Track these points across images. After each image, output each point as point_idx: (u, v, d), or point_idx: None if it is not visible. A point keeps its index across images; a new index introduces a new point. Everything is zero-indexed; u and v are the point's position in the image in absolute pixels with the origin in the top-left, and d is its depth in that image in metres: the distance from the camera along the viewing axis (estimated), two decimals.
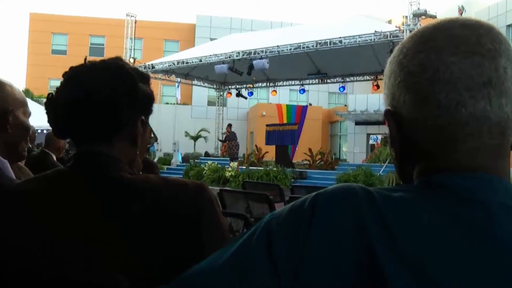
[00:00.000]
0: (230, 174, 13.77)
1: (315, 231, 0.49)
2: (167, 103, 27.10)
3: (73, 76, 0.79)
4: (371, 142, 19.83)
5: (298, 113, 23.68)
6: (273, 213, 0.55)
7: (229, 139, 14.59)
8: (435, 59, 0.52)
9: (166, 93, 27.97)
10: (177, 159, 18.78)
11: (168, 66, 16.82)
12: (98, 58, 0.83)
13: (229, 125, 14.95)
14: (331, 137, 27.11)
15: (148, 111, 0.85)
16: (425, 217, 0.48)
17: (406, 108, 0.54)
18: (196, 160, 17.47)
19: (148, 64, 17.12)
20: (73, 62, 0.82)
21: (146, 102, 0.83)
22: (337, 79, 17.76)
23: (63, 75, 0.80)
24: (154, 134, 0.93)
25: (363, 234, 0.47)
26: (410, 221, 0.48)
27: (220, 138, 15.42)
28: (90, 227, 0.71)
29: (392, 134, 0.57)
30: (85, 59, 0.82)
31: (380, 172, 12.25)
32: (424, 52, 0.53)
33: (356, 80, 17.92)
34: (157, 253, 0.69)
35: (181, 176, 14.37)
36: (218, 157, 19.85)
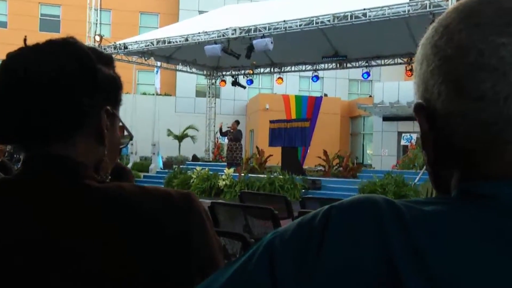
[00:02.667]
0: (224, 183, 13.79)
1: (328, 250, 0.50)
2: (144, 94, 27.15)
3: (9, 63, 0.78)
4: (403, 142, 19.83)
5: (310, 106, 23.74)
6: (276, 230, 0.56)
7: (234, 138, 14.39)
8: (479, 39, 0.53)
9: (142, 80, 28.03)
10: (157, 165, 18.83)
11: (145, 46, 16.88)
12: (52, 35, 0.83)
13: (237, 122, 14.84)
14: (352, 136, 27.15)
15: (115, 99, 0.86)
16: (463, 234, 0.49)
17: (441, 101, 0.55)
18: (181, 166, 17.47)
19: (119, 44, 17.18)
20: (17, 38, 0.82)
21: (110, 87, 0.84)
22: (360, 62, 17.81)
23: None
24: (128, 130, 0.94)
25: (385, 253, 0.48)
26: (444, 239, 0.49)
27: (222, 131, 15.22)
28: (38, 254, 0.70)
29: (424, 133, 0.57)
30: (25, 40, 0.81)
31: (416, 181, 12.25)
32: (465, 31, 0.54)
33: (385, 64, 17.97)
34: (132, 283, 0.71)
35: (162, 185, 14.39)
36: (210, 161, 19.84)
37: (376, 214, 0.51)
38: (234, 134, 14.36)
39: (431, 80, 0.56)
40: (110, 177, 0.90)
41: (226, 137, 15.19)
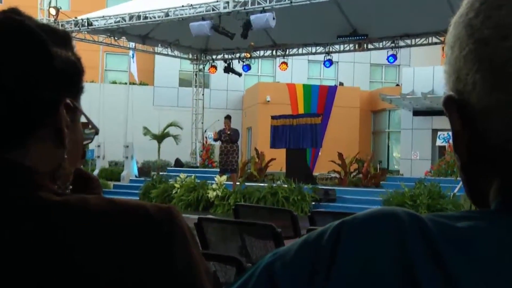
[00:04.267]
0: (215, 194, 13.82)
1: (338, 273, 0.51)
2: (114, 83, 27.20)
3: None
4: (439, 142, 19.81)
5: (322, 98, 23.77)
6: (276, 251, 0.57)
7: (232, 140, 14.17)
8: None
9: (112, 66, 28.06)
10: (130, 171, 18.85)
11: (115, 23, 16.90)
12: None
13: (228, 118, 14.37)
14: (374, 135, 27.21)
15: (75, 88, 0.87)
16: (503, 256, 0.50)
17: (476, 93, 0.56)
18: (161, 173, 17.48)
19: (82, 20, 17.20)
20: None
21: (70, 74, 0.85)
22: (384, 43, 17.85)
23: None
24: (92, 124, 0.94)
25: (408, 278, 0.49)
26: (479, 262, 0.50)
27: (214, 136, 14.77)
28: None
29: (456, 132, 0.59)
30: None
31: (455, 191, 12.29)
32: (505, 7, 0.55)
33: (415, 45, 18.02)
34: None
35: (137, 198, 14.39)
36: (197, 167, 19.82)
37: (397, 231, 0.52)
38: (230, 135, 14.13)
39: (464, 68, 0.57)
40: (71, 187, 0.91)
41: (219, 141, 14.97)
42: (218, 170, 15.03)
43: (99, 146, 19.80)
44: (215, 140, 15.32)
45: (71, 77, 0.85)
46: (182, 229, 0.79)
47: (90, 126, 0.95)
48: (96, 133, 0.96)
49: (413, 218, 0.53)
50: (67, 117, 0.83)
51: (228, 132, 14.20)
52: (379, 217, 0.54)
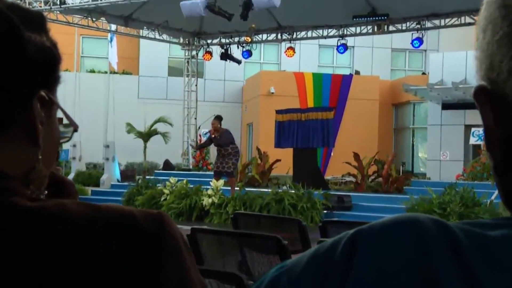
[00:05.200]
0: (211, 201, 13.82)
1: (354, 287, 0.52)
2: (92, 71, 27.22)
3: None
4: (473, 141, 19.79)
5: (335, 89, 23.71)
6: (282, 264, 0.58)
7: (220, 144, 14.25)
8: None
9: (89, 51, 28.08)
10: (111, 175, 18.86)
11: (93, 1, 16.91)
12: None
13: (218, 118, 14.31)
14: (396, 132, 27.21)
15: (50, 79, 0.87)
16: None
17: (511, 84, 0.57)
18: (148, 177, 17.45)
19: None
20: None
21: (44, 62, 0.85)
22: (408, 24, 17.82)
23: None
24: (70, 119, 0.95)
25: None
26: None
27: (198, 141, 14.87)
28: None
29: (489, 127, 0.59)
30: None
31: (493, 197, 12.26)
32: None
33: (445, 26, 17.99)
34: None
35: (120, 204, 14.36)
36: (190, 170, 19.81)
37: (421, 240, 0.53)
38: (219, 140, 14.07)
39: (498, 54, 0.58)
40: (46, 192, 0.91)
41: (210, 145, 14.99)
42: (213, 173, 15.03)
43: (74, 145, 19.80)
44: (196, 149, 15.32)
45: (46, 65, 0.85)
46: (174, 238, 0.79)
47: (67, 122, 0.95)
48: (75, 130, 0.96)
49: (440, 226, 0.54)
50: (42, 112, 0.84)
51: (216, 136, 14.06)
52: (400, 224, 0.55)
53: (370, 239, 0.54)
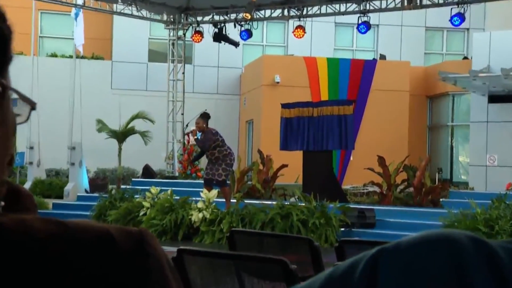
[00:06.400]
0: (201, 216, 13.89)
1: None
2: (54, 56, 27.37)
3: None
4: None
5: (356, 78, 23.73)
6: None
7: (200, 145, 14.33)
8: None
9: (51, 31, 28.26)
10: (78, 184, 18.94)
11: None
12: None
13: (204, 116, 14.51)
14: (431, 130, 27.40)
15: (1, 59, 0.87)
16: None
17: None
18: (123, 186, 17.60)
19: None
20: None
21: None
22: None
23: None
24: (24, 97, 0.94)
25: None
26: None
27: (186, 142, 15.06)
28: None
29: None
30: None
31: None
32: None
33: None
34: None
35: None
36: (175, 177, 19.91)
37: (455, 261, 0.53)
38: (201, 140, 14.28)
39: None
40: (3, 203, 0.90)
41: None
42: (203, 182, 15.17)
43: (31, 148, 19.92)
44: (192, 162, 15.55)
45: None
46: (158, 261, 0.80)
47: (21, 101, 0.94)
48: (33, 108, 0.96)
49: (478, 244, 0.54)
50: None
51: (195, 138, 14.33)
52: (430, 243, 0.56)
53: (395, 260, 0.54)
